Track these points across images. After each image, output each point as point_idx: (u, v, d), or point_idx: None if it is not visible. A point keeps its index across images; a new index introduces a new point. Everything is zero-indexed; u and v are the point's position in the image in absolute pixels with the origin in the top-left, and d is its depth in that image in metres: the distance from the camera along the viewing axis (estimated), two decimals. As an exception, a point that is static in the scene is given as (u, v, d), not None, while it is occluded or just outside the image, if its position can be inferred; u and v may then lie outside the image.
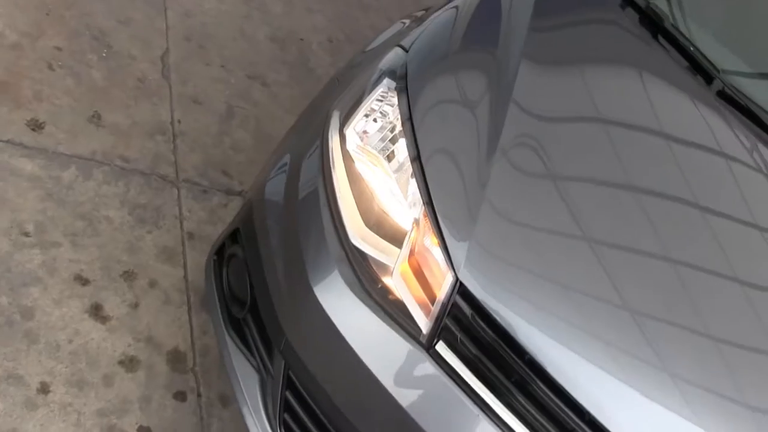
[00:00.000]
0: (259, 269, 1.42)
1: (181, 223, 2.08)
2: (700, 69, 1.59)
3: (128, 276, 1.90)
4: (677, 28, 1.64)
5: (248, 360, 1.50)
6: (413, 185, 1.31)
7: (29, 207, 1.89)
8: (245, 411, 1.48)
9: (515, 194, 1.31)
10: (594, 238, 1.30)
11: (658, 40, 1.63)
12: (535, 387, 1.18)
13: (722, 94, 1.59)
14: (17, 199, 1.89)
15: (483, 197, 1.26)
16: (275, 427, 1.43)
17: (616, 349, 1.20)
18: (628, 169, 1.43)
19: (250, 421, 1.47)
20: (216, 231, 2.00)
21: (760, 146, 1.53)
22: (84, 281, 1.84)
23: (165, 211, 2.09)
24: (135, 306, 1.85)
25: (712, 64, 1.59)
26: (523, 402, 1.19)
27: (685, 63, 1.60)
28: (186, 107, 2.41)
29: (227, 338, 1.53)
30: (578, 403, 1.16)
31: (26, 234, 1.84)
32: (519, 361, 1.18)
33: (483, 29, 1.57)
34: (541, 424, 1.19)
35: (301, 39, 2.97)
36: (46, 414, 1.60)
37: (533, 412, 1.19)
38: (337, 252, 1.30)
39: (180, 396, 1.76)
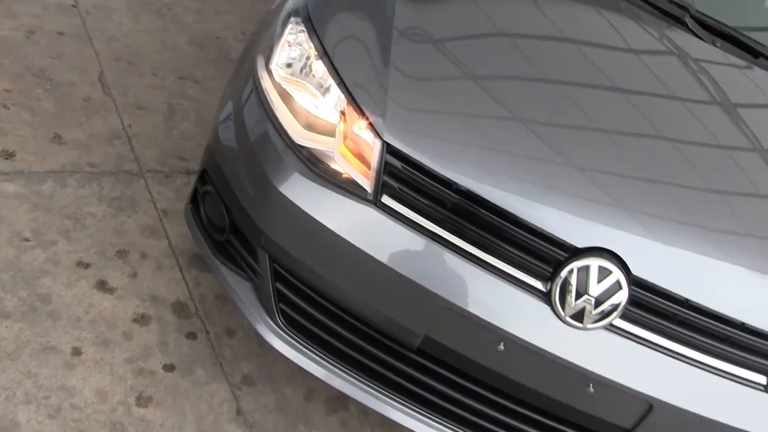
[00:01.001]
0: (229, 192, 1.70)
1: (155, 204, 2.35)
2: None
3: (121, 254, 2.16)
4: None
5: (239, 274, 1.77)
6: (333, 88, 1.61)
7: (22, 218, 2.14)
8: (251, 319, 1.75)
9: (415, 63, 1.63)
10: (489, 76, 1.62)
11: None
12: (471, 210, 1.49)
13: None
14: (10, 214, 2.13)
15: (388, 72, 1.57)
16: (276, 319, 1.71)
17: (528, 159, 1.53)
18: (519, 35, 1.77)
19: (258, 327, 1.74)
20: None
21: (655, 29, 1.88)
22: (85, 265, 2.09)
23: (138, 198, 2.35)
24: (134, 275, 2.11)
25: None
26: (464, 224, 1.50)
27: None
28: (132, 114, 2.67)
29: (218, 263, 1.80)
30: (508, 211, 1.47)
31: (26, 239, 2.09)
32: (451, 192, 1.49)
33: None
34: (483, 238, 1.49)
35: (218, 37, 3.26)
36: (84, 370, 1.85)
37: (475, 230, 1.50)
38: (287, 153, 1.59)
39: (191, 336, 2.03)
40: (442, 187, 1.49)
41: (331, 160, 1.57)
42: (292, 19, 1.74)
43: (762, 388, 1.58)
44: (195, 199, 1.88)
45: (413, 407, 1.64)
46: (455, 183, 1.48)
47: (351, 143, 1.56)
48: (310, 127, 1.61)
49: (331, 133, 1.59)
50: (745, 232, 1.62)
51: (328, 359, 1.67)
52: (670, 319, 1.51)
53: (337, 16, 1.76)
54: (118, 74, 2.85)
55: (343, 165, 1.55)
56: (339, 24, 1.74)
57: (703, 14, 2.00)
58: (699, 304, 1.50)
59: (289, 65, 1.70)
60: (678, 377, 1.53)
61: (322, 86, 1.64)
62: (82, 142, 2.47)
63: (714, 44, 1.97)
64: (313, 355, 1.68)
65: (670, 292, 1.49)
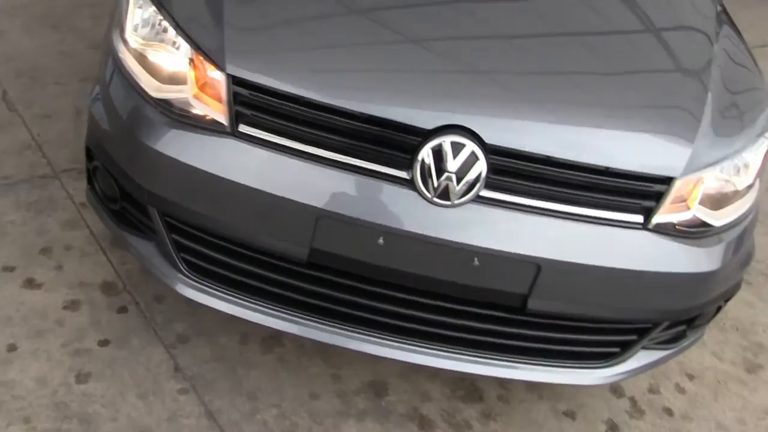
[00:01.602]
0: (110, 160, 1.76)
1: (72, 200, 2.39)
2: None
3: (45, 251, 2.21)
4: None
5: (142, 237, 1.82)
6: (180, 41, 1.65)
7: (-59, 238, 2.18)
8: (159, 276, 1.80)
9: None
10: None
11: None
12: (323, 118, 1.54)
13: None
14: (-71, 237, 2.18)
15: (223, 10, 1.62)
16: (181, 270, 1.76)
17: (363, 56, 1.58)
18: None
19: (168, 281, 1.79)
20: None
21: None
22: (11, 269, 2.14)
23: (55, 198, 2.40)
24: (60, 268, 2.17)
25: None
26: (320, 134, 1.55)
27: None
28: (40, 123, 2.71)
29: (121, 232, 1.85)
30: (356, 111, 1.52)
31: (-52, 257, 2.14)
32: (301, 106, 1.54)
33: None
34: (341, 142, 1.55)
35: (115, 35, 3.27)
36: (22, 362, 1.91)
37: (331, 137, 1.55)
38: (148, 109, 1.64)
39: (122, 310, 2.09)
40: (291, 104, 1.55)
41: (190, 107, 1.62)
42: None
43: (640, 226, 1.64)
44: (90, 179, 1.93)
45: (322, 322, 1.70)
46: (301, 96, 1.53)
47: (204, 85, 1.61)
48: (167, 80, 1.66)
49: (185, 82, 1.63)
50: (593, 85, 1.68)
51: (234, 294, 1.73)
52: (537, 179, 1.58)
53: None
54: (22, 90, 2.88)
55: (201, 107, 1.61)
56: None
57: None
58: (561, 158, 1.56)
59: (140, 30, 1.74)
60: (557, 234, 1.59)
61: (172, 42, 1.68)
62: (-7, 156, 2.51)
63: None
64: (221, 294, 1.74)
65: (530, 153, 1.55)
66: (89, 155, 1.88)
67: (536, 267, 1.59)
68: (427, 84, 1.56)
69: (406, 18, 1.69)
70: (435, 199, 1.53)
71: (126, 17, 1.77)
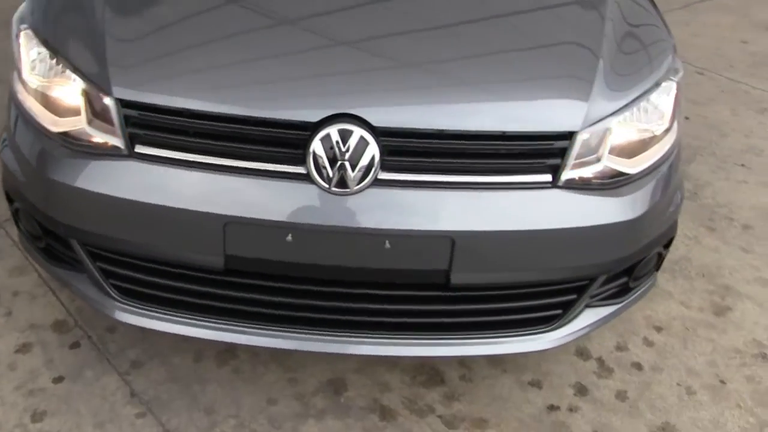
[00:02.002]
0: (26, 201, 1.79)
1: (18, 246, 2.43)
2: None
3: (-6, 300, 2.25)
4: None
5: (72, 271, 1.85)
6: (70, 74, 1.68)
7: None
8: (94, 305, 1.83)
9: (125, 25, 1.71)
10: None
11: None
12: (213, 127, 1.57)
13: None
14: None
15: (105, 42, 1.65)
16: (113, 296, 1.79)
17: (241, 60, 1.61)
18: None
19: (103, 310, 1.81)
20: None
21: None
22: (-39, 322, 2.18)
23: (1, 246, 2.44)
24: (9, 314, 2.21)
25: None
26: (214, 142, 1.58)
27: None
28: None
29: (53, 269, 1.89)
30: (243, 115, 1.54)
31: None
32: (191, 119, 1.57)
33: None
34: (235, 148, 1.57)
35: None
36: (-23, 411, 1.95)
37: (225, 144, 1.58)
38: (49, 143, 1.68)
39: (75, 345, 2.12)
40: (179, 117, 1.57)
41: (88, 135, 1.65)
42: (22, 27, 1.82)
43: (550, 185, 1.65)
44: (15, 221, 1.97)
45: (258, 327, 1.72)
46: (186, 109, 1.55)
47: (97, 113, 1.64)
48: (64, 113, 1.69)
49: (80, 112, 1.66)
50: (481, 55, 1.70)
51: (169, 312, 1.75)
52: (434, 154, 1.59)
53: (54, 11, 1.85)
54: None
55: (97, 134, 1.64)
56: (57, 17, 1.84)
57: None
58: (454, 130, 1.58)
59: (36, 69, 1.77)
60: (465, 205, 1.60)
61: (64, 75, 1.71)
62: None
63: None
64: (158, 314, 1.77)
65: (421, 129, 1.56)
66: (8, 199, 1.92)
67: (450, 241, 1.60)
68: (307, 76, 1.58)
69: (280, 12, 1.72)
70: (333, 189, 1.54)
71: (20, 59, 1.81)
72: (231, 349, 2.13)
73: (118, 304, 1.80)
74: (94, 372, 2.05)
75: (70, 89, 1.69)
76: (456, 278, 1.65)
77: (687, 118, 3.79)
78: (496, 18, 1.82)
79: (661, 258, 1.99)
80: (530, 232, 1.63)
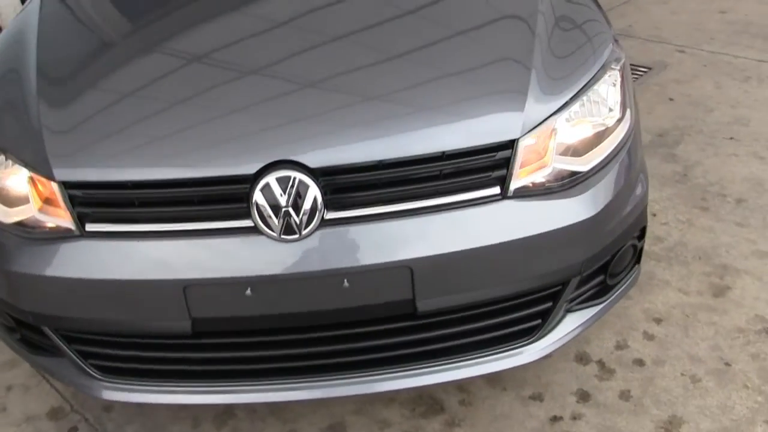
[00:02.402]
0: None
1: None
2: None
3: (-10, 397, 2.32)
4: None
5: (52, 357, 1.91)
6: (19, 168, 1.76)
7: None
8: (79, 388, 1.88)
9: (59, 114, 1.78)
10: (117, 80, 1.82)
11: None
12: (156, 195, 1.63)
13: None
14: None
15: (41, 131, 1.73)
16: (95, 376, 1.84)
17: (173, 127, 1.68)
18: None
19: (88, 391, 1.86)
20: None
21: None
22: (-39, 424, 2.25)
23: (-6, 342, 2.51)
24: (4, 409, 2.27)
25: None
26: (159, 210, 1.64)
27: None
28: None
29: (34, 358, 1.94)
30: (181, 179, 1.60)
31: None
32: (132, 190, 1.63)
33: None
34: (179, 211, 1.63)
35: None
36: None
37: (169, 209, 1.63)
38: (4, 235, 1.75)
39: (73, 430, 2.17)
40: (121, 190, 1.63)
41: (39, 222, 1.72)
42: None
43: (500, 197, 1.68)
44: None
45: (235, 384, 1.76)
46: (126, 180, 1.62)
47: (46, 198, 1.71)
48: (14, 203, 1.76)
49: (29, 200, 1.73)
50: (406, 78, 1.75)
51: (151, 383, 1.80)
52: (377, 186, 1.63)
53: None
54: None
55: (48, 219, 1.70)
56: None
57: None
58: (393, 158, 1.62)
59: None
60: (416, 231, 1.64)
61: (9, 166, 1.79)
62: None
63: None
64: (142, 387, 1.81)
65: (359, 163, 1.61)
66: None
67: (408, 270, 1.63)
68: (239, 132, 1.63)
69: (203, 76, 1.79)
70: (282, 237, 1.59)
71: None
72: (228, 409, 2.17)
73: (103, 383, 1.84)
74: (94, 454, 2.10)
75: (17, 179, 1.76)
76: (423, 305, 1.68)
77: (671, 99, 3.81)
78: (423, 45, 1.87)
79: (637, 250, 2.00)
80: (488, 248, 1.65)
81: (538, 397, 2.14)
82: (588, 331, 2.30)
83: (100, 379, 1.85)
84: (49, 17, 2.15)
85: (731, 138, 3.38)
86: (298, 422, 2.13)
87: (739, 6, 5.03)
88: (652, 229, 2.77)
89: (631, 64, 4.14)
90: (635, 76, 4.11)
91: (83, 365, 1.84)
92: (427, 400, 2.16)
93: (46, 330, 1.81)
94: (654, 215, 2.85)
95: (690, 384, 2.13)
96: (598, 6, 2.17)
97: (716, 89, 3.87)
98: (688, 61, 4.26)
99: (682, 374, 2.17)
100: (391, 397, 2.17)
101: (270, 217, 1.58)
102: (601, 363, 2.23)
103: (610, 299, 1.97)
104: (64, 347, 1.82)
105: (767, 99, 3.72)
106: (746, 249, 2.64)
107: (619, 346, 2.28)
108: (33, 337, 1.90)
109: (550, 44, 1.86)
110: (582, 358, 2.25)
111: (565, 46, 1.89)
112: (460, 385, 2.19)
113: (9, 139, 1.80)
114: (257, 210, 1.58)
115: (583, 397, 2.13)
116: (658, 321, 2.36)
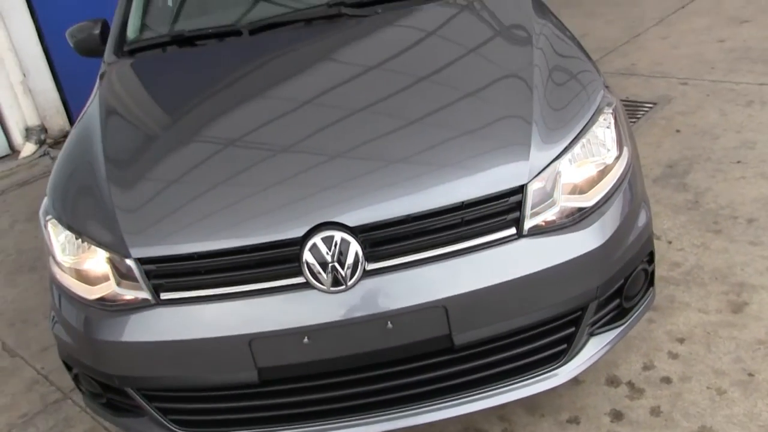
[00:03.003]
0: (81, 364, 2.17)
1: (86, 411, 2.81)
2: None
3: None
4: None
5: (135, 417, 2.21)
6: (95, 249, 2.10)
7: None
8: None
9: (129, 198, 2.13)
10: (185, 169, 2.18)
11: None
12: (219, 263, 1.95)
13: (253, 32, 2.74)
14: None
15: (116, 215, 2.08)
16: (174, 430, 2.14)
17: (230, 203, 2.01)
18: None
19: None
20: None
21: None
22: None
23: (71, 415, 2.82)
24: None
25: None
26: (223, 275, 1.96)
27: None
28: (41, 357, 3.18)
29: (118, 419, 2.25)
30: (240, 246, 1.92)
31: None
32: (199, 260, 1.95)
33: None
34: (242, 274, 1.95)
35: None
36: None
37: (233, 274, 1.95)
38: (88, 310, 2.08)
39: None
40: (189, 261, 1.96)
41: (119, 296, 2.05)
42: (47, 218, 2.27)
43: (516, 236, 1.98)
44: (77, 385, 2.36)
45: (299, 426, 2.05)
46: (194, 252, 1.94)
47: (123, 275, 2.04)
48: (95, 282, 2.09)
49: (109, 278, 2.07)
50: (425, 139, 2.08)
51: (223, 429, 2.10)
52: (408, 237, 1.94)
53: (71, 200, 2.30)
54: (17, 335, 3.38)
55: (127, 293, 2.03)
56: (74, 204, 2.28)
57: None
58: (420, 212, 1.93)
59: (66, 250, 2.20)
60: (447, 273, 1.93)
61: (89, 250, 2.13)
62: (8, 404, 2.97)
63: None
64: (214, 432, 2.11)
65: (392, 219, 1.92)
66: (67, 367, 2.32)
67: (443, 308, 1.93)
68: (287, 200, 1.96)
69: (251, 154, 2.15)
70: (332, 289, 1.90)
71: (52, 244, 2.24)
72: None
73: (179, 434, 2.14)
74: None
75: (97, 261, 2.10)
76: (458, 339, 1.97)
77: (678, 131, 4.12)
78: (434, 109, 2.20)
79: (648, 274, 2.28)
80: (511, 282, 1.94)
81: (574, 420, 2.40)
82: (616, 355, 2.56)
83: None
84: (108, 115, 2.53)
85: (738, 162, 3.67)
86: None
87: (737, 33, 5.37)
88: (669, 255, 3.04)
89: (636, 101, 4.52)
90: (642, 112, 4.43)
91: (163, 421, 2.14)
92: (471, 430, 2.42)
93: (130, 391, 2.12)
94: (670, 242, 3.13)
95: (716, 396, 2.37)
96: (587, 55, 2.51)
97: (721, 116, 4.17)
98: (692, 92, 4.58)
99: (708, 387, 2.41)
100: (440, 429, 2.43)
101: (319, 273, 1.89)
102: (630, 384, 2.49)
103: (628, 321, 2.24)
104: (146, 405, 2.13)
105: (771, 121, 4.02)
106: (761, 266, 2.90)
107: (646, 367, 2.54)
108: (117, 399, 2.21)
109: (547, 97, 2.19)
110: (612, 381, 2.51)
111: (561, 96, 2.22)
112: (502, 415, 2.45)
113: (86, 224, 2.15)
114: (308, 267, 1.90)
115: (617, 416, 2.38)
116: (681, 340, 2.62)
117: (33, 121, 5.62)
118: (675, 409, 2.36)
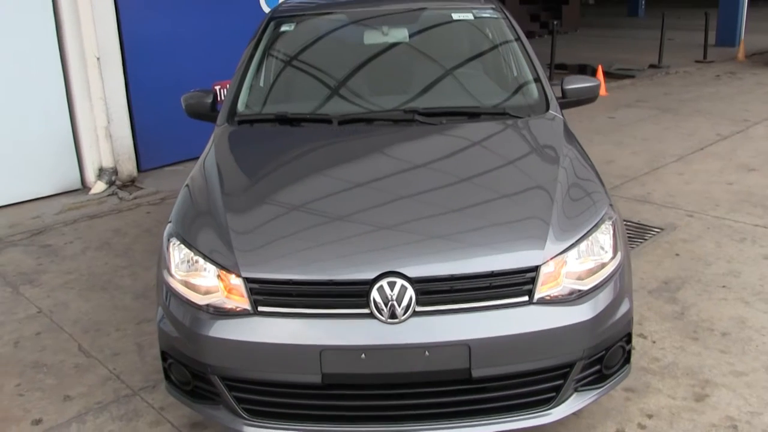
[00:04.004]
0: (180, 354, 2.94)
1: (152, 406, 3.55)
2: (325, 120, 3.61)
3: None
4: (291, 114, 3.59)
5: (211, 405, 2.96)
6: (209, 266, 2.92)
7: None
8: (233, 426, 2.91)
9: (243, 224, 2.97)
10: (288, 205, 3.03)
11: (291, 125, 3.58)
12: (309, 288, 2.76)
13: (341, 123, 3.53)
14: None
15: (231, 242, 2.90)
16: (243, 417, 2.89)
17: (323, 243, 2.84)
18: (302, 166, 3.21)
19: (238, 428, 2.90)
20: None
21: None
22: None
23: (139, 408, 3.54)
24: (155, 453, 3.29)
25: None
26: (308, 298, 2.76)
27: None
28: (113, 360, 3.93)
29: (198, 406, 3.00)
30: (324, 279, 2.74)
31: None
32: (292, 284, 2.76)
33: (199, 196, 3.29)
34: (323, 300, 2.75)
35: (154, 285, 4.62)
36: None
37: (316, 298, 2.76)
38: (197, 312, 2.88)
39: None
40: (286, 285, 2.77)
41: (225, 304, 2.84)
42: (171, 240, 3.10)
43: (527, 302, 2.78)
44: (167, 375, 3.12)
45: (349, 425, 2.80)
46: (290, 280, 2.75)
47: (230, 289, 2.85)
48: (206, 292, 2.90)
49: (218, 291, 2.88)
50: (471, 219, 2.93)
51: (285, 424, 2.85)
52: (451, 291, 2.75)
53: (192, 225, 3.13)
54: (92, 341, 4.15)
55: (231, 303, 2.82)
56: (195, 229, 3.10)
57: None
58: (460, 274, 2.74)
59: (180, 266, 3.02)
60: (474, 321, 2.72)
61: (203, 268, 2.95)
62: (85, 392, 3.71)
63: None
64: (277, 426, 2.86)
65: (439, 276, 2.73)
66: (164, 357, 3.09)
67: (467, 347, 2.71)
68: (361, 247, 2.78)
69: (343, 205, 3.04)
70: (388, 320, 2.68)
71: (170, 259, 3.05)
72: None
73: (247, 422, 2.89)
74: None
75: (209, 276, 2.89)
76: (476, 373, 2.74)
77: (677, 254, 4.94)
78: (479, 202, 3.07)
79: (625, 351, 3.05)
80: (520, 335, 2.73)
81: (556, 464, 3.12)
82: (596, 420, 3.30)
83: (246, 419, 2.89)
84: (223, 164, 3.41)
85: (724, 286, 4.47)
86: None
87: (745, 179, 6.26)
88: (652, 352, 3.81)
89: (646, 225, 5.38)
90: (650, 235, 5.26)
91: (237, 408, 2.89)
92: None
93: (216, 379, 2.88)
94: (654, 342, 3.90)
95: (670, 459, 3.11)
96: (599, 179, 3.36)
97: (716, 247, 5.00)
98: (696, 224, 5.43)
99: (665, 453, 3.14)
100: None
101: (381, 307, 2.69)
102: (604, 443, 3.22)
103: (606, 386, 3.00)
104: (226, 393, 2.88)
105: (758, 256, 4.84)
106: (726, 369, 3.66)
107: (619, 432, 3.28)
108: (201, 387, 2.96)
109: (564, 207, 3.03)
110: (590, 441, 3.24)
111: (574, 208, 3.07)
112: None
113: (207, 246, 2.97)
114: (373, 302, 2.70)
115: (590, 465, 3.11)
116: (650, 416, 3.36)
117: (107, 162, 6.54)
118: (637, 465, 3.08)
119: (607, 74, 11.39)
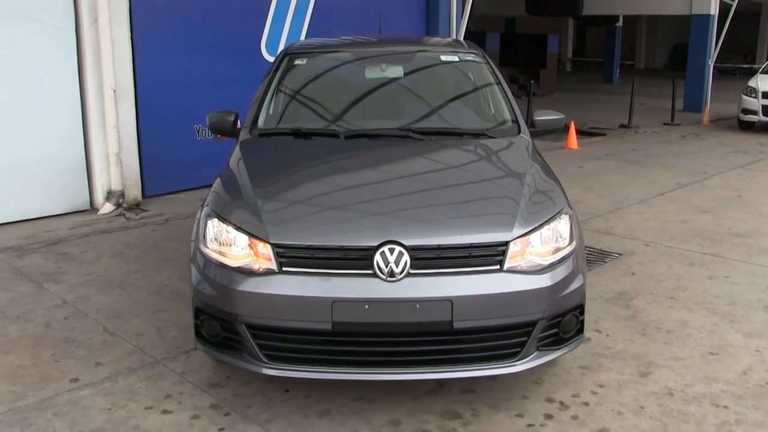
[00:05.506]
0: (214, 308, 3.68)
1: (173, 371, 4.26)
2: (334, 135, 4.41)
3: (166, 396, 4.04)
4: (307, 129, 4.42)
5: (235, 354, 3.70)
6: (241, 236, 3.71)
7: (99, 403, 4.03)
8: (253, 369, 3.63)
9: (270, 201, 3.77)
10: (309, 188, 3.86)
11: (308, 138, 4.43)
12: (323, 254, 3.55)
13: (347, 137, 4.33)
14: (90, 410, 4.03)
15: (261, 214, 3.69)
16: (263, 360, 3.63)
17: (338, 215, 3.66)
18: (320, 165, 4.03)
19: (258, 371, 3.63)
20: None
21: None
22: (150, 407, 3.96)
23: (162, 372, 4.25)
24: (180, 403, 3.99)
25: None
26: (323, 257, 3.55)
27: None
28: (136, 339, 4.64)
29: (224, 356, 3.74)
30: (339, 245, 3.53)
31: (108, 409, 3.96)
32: (311, 249, 3.55)
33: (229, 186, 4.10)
34: (337, 260, 3.53)
35: (166, 285, 5.36)
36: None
37: (329, 257, 3.54)
38: (231, 272, 3.64)
39: (227, 414, 3.89)
40: (306, 250, 3.55)
41: (255, 266, 3.61)
42: (210, 217, 3.87)
43: (498, 270, 3.59)
44: (197, 331, 3.86)
45: (352, 368, 3.56)
46: (311, 245, 3.55)
47: (259, 253, 3.63)
48: (238, 258, 3.67)
49: (249, 256, 3.66)
50: (456, 202, 3.77)
51: (298, 366, 3.60)
52: (437, 258, 3.54)
53: (226, 204, 3.92)
54: (115, 324, 4.86)
55: (260, 264, 3.59)
56: (229, 206, 3.88)
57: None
58: (446, 244, 3.55)
59: (215, 238, 3.80)
60: (456, 282, 3.52)
61: (236, 238, 3.73)
62: (114, 360, 4.40)
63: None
64: (292, 368, 3.61)
65: (429, 245, 3.54)
66: (196, 315, 3.81)
67: (450, 302, 3.50)
68: (366, 222, 3.60)
69: (345, 192, 3.86)
70: (388, 279, 3.47)
71: (205, 232, 3.83)
72: (326, 409, 3.89)
73: (266, 364, 3.63)
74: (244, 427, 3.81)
75: (241, 244, 3.68)
76: (457, 325, 3.51)
77: (633, 273, 5.78)
78: (464, 182, 3.95)
79: (578, 320, 3.86)
80: (492, 295, 3.51)
81: (520, 416, 3.87)
82: (554, 386, 4.06)
83: (265, 363, 3.63)
84: (249, 161, 4.22)
85: (671, 297, 5.30)
86: (371, 418, 3.85)
87: (699, 219, 7.18)
88: (606, 342, 4.61)
89: (607, 251, 6.26)
90: (610, 258, 6.11)
91: (258, 353, 3.63)
92: (450, 414, 3.89)
93: (243, 328, 3.62)
94: (608, 335, 4.70)
95: (617, 415, 3.86)
96: (560, 185, 4.20)
97: (668, 269, 5.85)
98: (651, 251, 6.30)
99: (613, 410, 3.91)
100: (428, 409, 3.89)
101: (383, 269, 3.48)
102: (562, 403, 3.97)
103: (563, 348, 3.79)
104: (251, 340, 3.62)
105: (703, 276, 5.69)
106: (667, 355, 4.45)
107: (574, 395, 4.03)
108: (229, 337, 3.69)
109: (527, 204, 3.86)
110: (550, 399, 3.99)
111: (537, 204, 3.91)
112: (471, 405, 3.92)
113: (240, 221, 3.75)
114: (376, 264, 3.50)
115: (548, 417, 3.84)
116: (601, 386, 4.12)
117: (116, 186, 7.32)
118: (588, 418, 3.84)
119: (579, 132, 12.45)
